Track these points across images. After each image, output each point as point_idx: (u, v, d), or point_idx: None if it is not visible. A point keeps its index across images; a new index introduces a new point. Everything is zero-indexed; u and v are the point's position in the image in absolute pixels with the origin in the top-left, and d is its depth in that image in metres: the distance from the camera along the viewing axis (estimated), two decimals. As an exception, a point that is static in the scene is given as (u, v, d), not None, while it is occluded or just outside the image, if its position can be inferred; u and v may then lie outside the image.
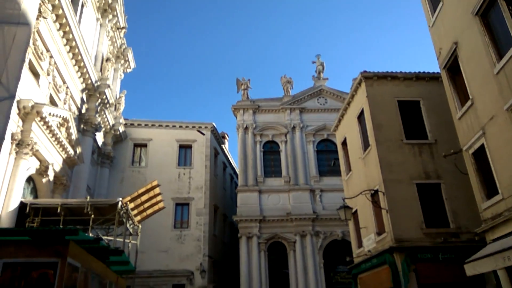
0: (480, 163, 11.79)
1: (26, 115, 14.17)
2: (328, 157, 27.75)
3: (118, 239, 15.62)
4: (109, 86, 22.81)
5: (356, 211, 16.05)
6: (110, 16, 24.98)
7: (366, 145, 15.40)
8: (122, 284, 9.83)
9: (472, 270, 10.63)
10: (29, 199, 15.23)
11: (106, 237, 15.55)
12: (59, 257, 5.62)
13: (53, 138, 16.07)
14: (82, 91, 21.14)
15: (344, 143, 18.56)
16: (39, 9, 14.76)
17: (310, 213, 25.52)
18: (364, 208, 15.37)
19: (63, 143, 16.68)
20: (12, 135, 13.58)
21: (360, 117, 16.08)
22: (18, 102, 13.59)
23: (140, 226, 18.63)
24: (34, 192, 16.29)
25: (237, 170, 31.16)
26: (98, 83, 22.28)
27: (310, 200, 26.30)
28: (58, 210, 13.91)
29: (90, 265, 7.20)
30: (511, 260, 8.87)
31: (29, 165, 14.69)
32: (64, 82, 18.57)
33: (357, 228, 16.40)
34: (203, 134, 29.09)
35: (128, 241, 17.75)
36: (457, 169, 13.04)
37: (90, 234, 13.47)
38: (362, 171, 15.76)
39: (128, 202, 15.70)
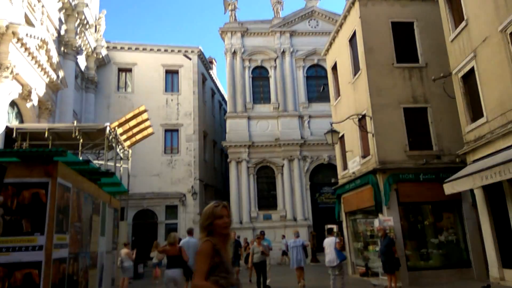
0: (468, 86, 11.82)
1: (2, 36, 13.39)
2: (318, 83, 27.53)
3: (109, 163, 15.85)
4: (87, 5, 21.43)
5: (343, 135, 16.33)
6: None
7: (356, 69, 15.18)
8: (116, 204, 10.13)
9: (450, 189, 11.21)
10: (15, 124, 15.04)
11: (96, 161, 15.74)
12: (49, 177, 5.64)
13: (33, 61, 15.41)
14: (59, 10, 19.86)
15: (334, 68, 18.26)
16: None
17: (298, 139, 25.97)
18: (350, 133, 15.62)
19: (44, 66, 16.05)
20: (-11, 57, 12.96)
21: (352, 40, 15.62)
22: (-10, 21, 12.76)
23: (130, 151, 18.82)
24: (20, 117, 16.04)
25: (226, 97, 30.89)
26: (76, 1, 20.87)
27: (299, 126, 26.59)
28: (46, 135, 13.83)
29: (82, 185, 7.30)
30: (488, 179, 9.32)
31: (11, 89, 14.26)
32: (39, 0, 17.34)
33: (343, 151, 16.83)
34: (190, 58, 28.22)
35: (119, 165, 18.05)
36: (445, 93, 13.10)
37: (80, 158, 13.59)
38: (351, 96, 15.73)
39: (116, 127, 15.64)
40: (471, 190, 11.73)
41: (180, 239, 10.35)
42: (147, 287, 14.43)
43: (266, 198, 25.89)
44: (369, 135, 13.61)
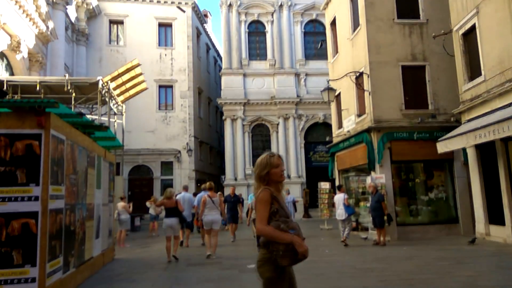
0: (468, 44, 11.61)
1: (-15, -18, 12.75)
2: (316, 39, 26.89)
3: (102, 118, 15.71)
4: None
5: (339, 94, 16.20)
6: None
7: (356, 25, 14.77)
8: (111, 158, 10.14)
9: (443, 148, 11.33)
10: (5, 76, 14.69)
11: (90, 116, 15.58)
12: (42, 128, 5.57)
13: (21, 11, 14.79)
14: (46, -44, 18.79)
15: (333, 23, 17.76)
16: None
17: (294, 97, 25.76)
18: (347, 91, 15.48)
19: (32, 16, 15.45)
20: (-27, 5, 12.40)
21: (352, -7, 15.07)
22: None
23: (124, 106, 18.61)
24: (10, 70, 15.65)
25: (221, 53, 30.21)
26: None
27: (295, 84, 26.30)
28: (37, 88, 13.55)
29: (76, 138, 7.26)
30: (482, 138, 9.39)
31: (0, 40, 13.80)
32: None
33: (339, 110, 16.76)
34: (184, 11, 27.25)
35: (114, 120, 17.91)
36: (444, 51, 12.88)
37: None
38: (349, 53, 15.42)
39: (109, 82, 15.34)
40: (464, 149, 11.87)
41: (176, 194, 11.10)
42: (144, 239, 14.82)
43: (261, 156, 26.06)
44: (366, 94, 13.50)
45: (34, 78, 14.69)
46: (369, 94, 13.21)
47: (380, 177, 12.43)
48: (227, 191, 19.60)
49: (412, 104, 13.28)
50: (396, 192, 12.98)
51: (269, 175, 2.88)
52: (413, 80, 13.47)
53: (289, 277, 2.77)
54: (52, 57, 18.65)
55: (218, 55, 35.65)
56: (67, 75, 15.13)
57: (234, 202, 13.74)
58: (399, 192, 13.16)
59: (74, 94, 13.97)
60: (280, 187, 2.93)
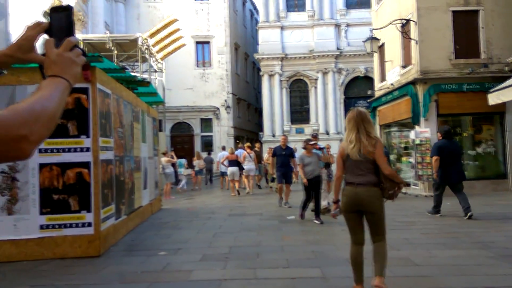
0: (532, -16, 10.50)
1: None
2: (357, -15, 25.35)
3: (143, 75, 16.00)
4: None
5: (383, 44, 15.40)
6: None
7: (402, -32, 13.71)
8: (154, 113, 10.43)
9: (495, 99, 10.67)
10: (50, 36, 15.16)
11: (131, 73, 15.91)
12: (88, 82, 5.75)
13: (60, -31, 14.94)
14: None
15: (377, -32, 16.59)
16: None
17: (333, 50, 24.85)
18: (392, 41, 14.69)
19: (71, -26, 15.57)
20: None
21: None
22: None
23: (163, 64, 18.81)
24: (54, 30, 16.11)
25: (258, 6, 29.30)
26: None
27: (335, 36, 25.25)
28: (81, 46, 13.89)
29: (121, 93, 7.47)
30: (540, 87, 8.70)
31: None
32: None
33: (382, 62, 16.04)
34: (219, -37, 26.36)
35: (154, 77, 18.22)
36: (502, -8, 11.76)
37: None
38: (394, -1, 14.47)
39: (148, 38, 15.44)
40: (518, 101, 11.10)
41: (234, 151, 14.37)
42: (188, 192, 15.46)
43: (299, 112, 25.82)
44: (412, 43, 12.76)
45: (77, 36, 15.05)
46: (416, 43, 12.47)
47: (425, 131, 11.99)
48: (265, 148, 19.74)
49: (463, 53, 12.45)
50: (441, 147, 12.52)
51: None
52: (465, 26, 12.53)
53: None
54: (92, 15, 18.95)
55: (255, 8, 34.64)
56: (108, 32, 15.39)
57: (286, 155, 10.22)
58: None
59: (115, 52, 14.24)
60: None
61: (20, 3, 12.99)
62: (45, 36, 1.08)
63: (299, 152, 9.02)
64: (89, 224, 5.76)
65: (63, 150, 5.87)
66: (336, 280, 4.29)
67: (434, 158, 7.72)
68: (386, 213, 3.80)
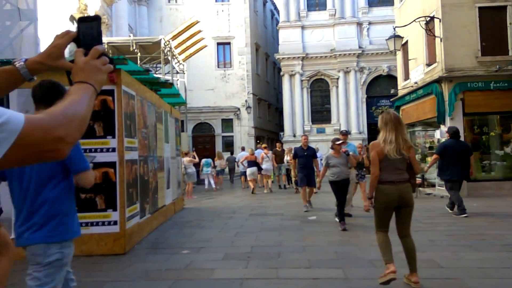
0: None
1: None
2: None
3: (166, 76, 16.26)
4: None
5: (406, 42, 15.14)
6: None
7: (426, -36, 13.43)
8: (176, 114, 10.60)
9: (525, 97, 10.30)
10: (76, 39, 15.60)
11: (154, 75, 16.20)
12: (114, 84, 5.90)
13: (86, -26, 15.37)
14: None
15: (400, -35, 16.31)
16: None
17: (355, 49, 24.57)
18: (415, 38, 14.42)
19: (96, -21, 16.00)
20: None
21: None
22: None
23: (185, 65, 19.06)
24: (80, 33, 16.56)
25: (278, 6, 29.27)
26: None
27: (356, 35, 24.95)
28: (109, 54, 14.25)
29: (145, 94, 7.62)
30: None
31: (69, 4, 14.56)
32: None
33: (405, 60, 15.75)
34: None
35: (176, 78, 18.48)
36: (532, -13, 11.37)
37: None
38: (418, -4, 14.19)
39: (170, 40, 15.69)
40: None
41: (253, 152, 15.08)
42: (209, 191, 15.60)
43: (320, 111, 25.66)
44: (437, 40, 12.47)
45: (102, 39, 15.43)
46: (441, 40, 12.19)
47: (450, 131, 11.69)
48: (285, 148, 19.69)
49: (490, 51, 12.08)
50: (467, 147, 12.19)
51: None
52: (492, 23, 12.17)
53: None
54: (116, 18, 19.39)
55: (275, 8, 34.61)
56: (131, 35, 15.72)
57: (308, 156, 9.51)
58: (471, 146, 12.34)
59: (139, 54, 14.53)
60: None
61: (48, 8, 13.42)
62: (73, 44, 1.14)
63: (321, 152, 8.92)
64: (115, 223, 5.91)
65: (90, 151, 6.04)
66: (359, 281, 4.26)
67: (434, 156, 8.42)
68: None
